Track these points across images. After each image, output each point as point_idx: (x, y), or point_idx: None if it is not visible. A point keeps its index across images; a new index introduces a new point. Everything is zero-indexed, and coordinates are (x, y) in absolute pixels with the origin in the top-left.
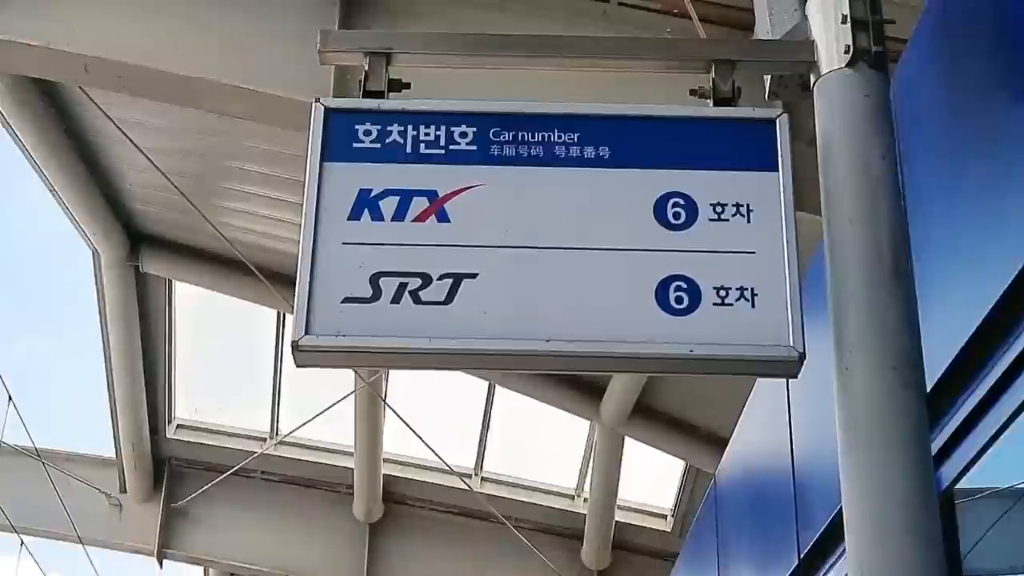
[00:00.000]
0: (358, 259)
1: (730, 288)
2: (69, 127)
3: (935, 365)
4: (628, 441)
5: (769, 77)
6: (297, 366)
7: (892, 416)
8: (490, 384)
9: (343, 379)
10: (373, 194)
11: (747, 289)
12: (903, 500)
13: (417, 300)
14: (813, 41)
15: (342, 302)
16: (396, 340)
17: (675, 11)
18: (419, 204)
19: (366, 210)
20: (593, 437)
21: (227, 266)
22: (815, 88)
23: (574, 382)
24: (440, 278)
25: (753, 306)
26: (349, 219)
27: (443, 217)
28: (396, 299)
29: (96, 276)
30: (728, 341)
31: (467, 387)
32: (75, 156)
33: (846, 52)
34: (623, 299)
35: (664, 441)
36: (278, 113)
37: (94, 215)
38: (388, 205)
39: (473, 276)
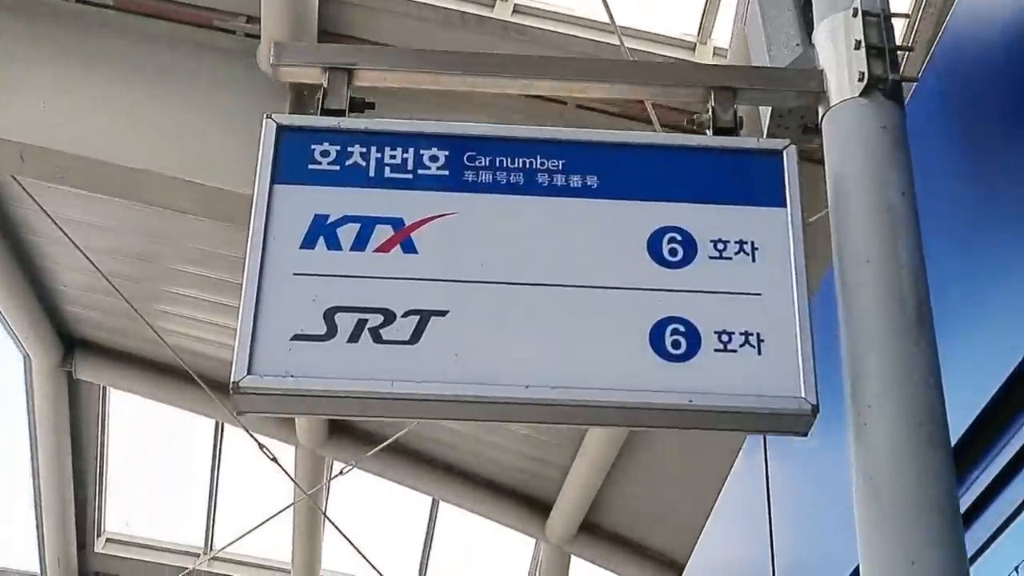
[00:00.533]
0: (311, 292)
1: (733, 333)
2: (2, 224)
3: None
4: (575, 560)
5: (768, 114)
6: (237, 412)
7: (921, 479)
8: (433, 500)
9: (282, 491)
10: (330, 220)
11: (752, 334)
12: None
13: (378, 339)
14: (822, 70)
15: (291, 339)
16: (353, 383)
17: (635, 116)
18: (382, 233)
19: (321, 238)
20: (539, 555)
21: (165, 373)
22: (824, 120)
23: (520, 497)
24: (405, 315)
25: (759, 353)
26: (302, 247)
27: (409, 248)
28: (354, 337)
29: (27, 382)
30: (731, 391)
31: (410, 502)
32: (8, 255)
33: (860, 80)
34: (613, 342)
35: (612, 561)
36: (223, 207)
37: (27, 318)
38: (347, 233)
39: (443, 314)
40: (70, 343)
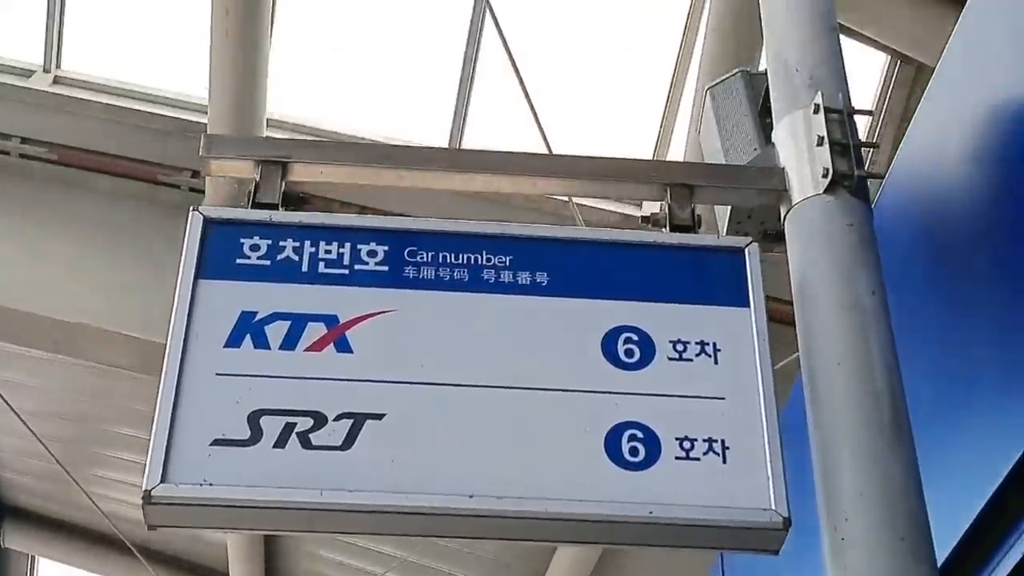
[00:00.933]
0: (235, 393)
1: (696, 439)
2: None
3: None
4: None
5: (727, 216)
6: (149, 527)
7: None
8: None
9: None
10: (258, 317)
11: (716, 441)
12: None
13: (307, 444)
14: (783, 168)
15: (211, 444)
16: (279, 492)
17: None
18: (315, 331)
19: (248, 336)
20: None
21: (98, 542)
22: (787, 218)
23: None
24: (337, 418)
25: (724, 461)
26: (226, 346)
27: (344, 347)
28: (280, 443)
29: None
30: (695, 502)
31: None
32: None
33: (824, 176)
34: (565, 449)
35: None
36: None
37: None
38: (276, 331)
39: (379, 417)
40: None
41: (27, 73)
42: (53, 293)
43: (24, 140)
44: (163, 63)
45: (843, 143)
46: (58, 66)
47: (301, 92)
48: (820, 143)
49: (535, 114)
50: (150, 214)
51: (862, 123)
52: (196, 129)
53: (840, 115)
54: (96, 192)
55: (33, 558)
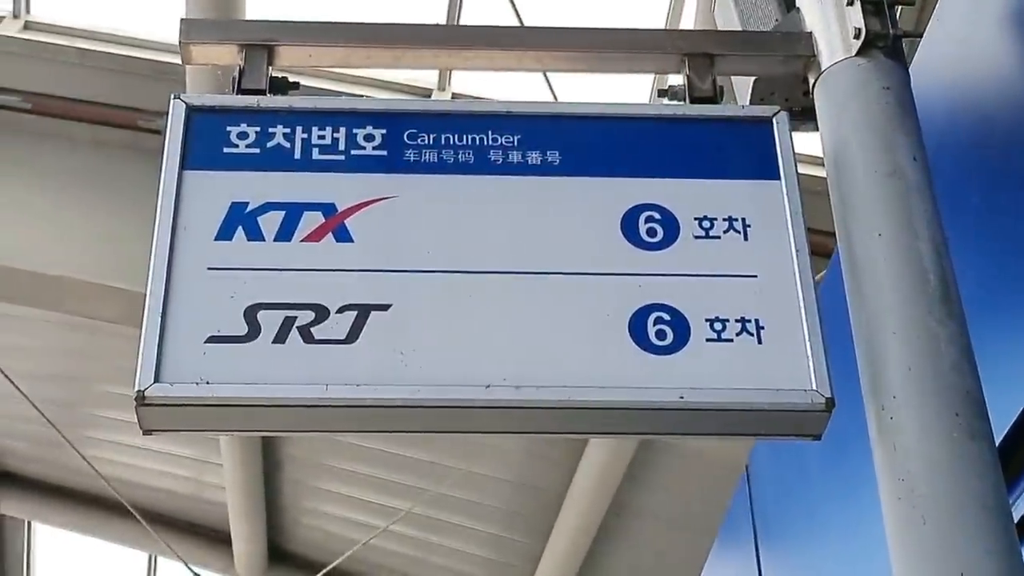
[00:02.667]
0: (229, 288)
1: (727, 320)
2: None
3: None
4: None
5: (749, 92)
6: (144, 431)
7: (961, 475)
8: None
9: None
10: (250, 208)
11: (750, 320)
12: None
13: (309, 338)
14: (810, 32)
15: (207, 342)
16: (280, 388)
17: None
18: (311, 220)
19: (240, 228)
20: None
21: (94, 505)
22: (816, 85)
23: None
24: (340, 311)
25: (759, 341)
26: (217, 239)
27: (343, 236)
28: (280, 338)
29: None
30: (729, 385)
31: None
32: None
33: (856, 37)
34: (587, 335)
35: None
36: None
37: None
38: (270, 222)
39: (384, 308)
40: None
41: None
42: (34, 247)
43: None
44: (137, 5)
45: (875, 0)
46: (28, 11)
47: None
48: (850, 2)
49: None
50: (131, 161)
51: None
52: (176, 72)
53: None
54: (74, 140)
55: (29, 524)
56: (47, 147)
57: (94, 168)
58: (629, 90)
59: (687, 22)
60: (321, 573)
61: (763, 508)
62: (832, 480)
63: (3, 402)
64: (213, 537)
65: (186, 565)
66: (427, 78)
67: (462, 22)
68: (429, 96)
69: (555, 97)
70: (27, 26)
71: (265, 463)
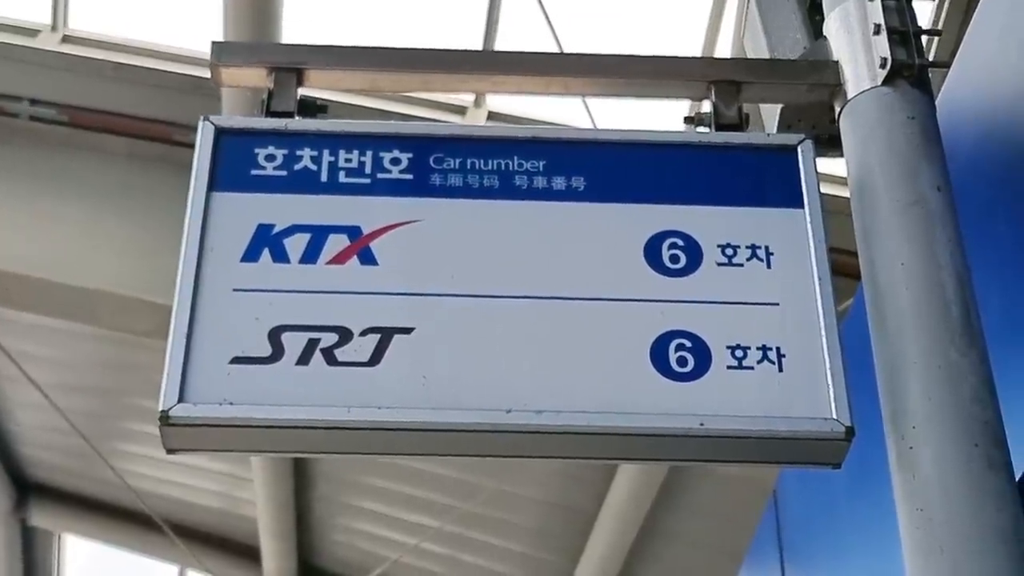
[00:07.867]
0: (254, 310)
1: (748, 347)
2: None
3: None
4: None
5: (776, 120)
6: (168, 451)
7: (980, 506)
8: None
9: None
10: (276, 230)
11: (771, 348)
12: None
13: (332, 361)
14: (836, 61)
15: (231, 363)
16: (304, 410)
17: None
18: (337, 243)
19: (266, 250)
20: None
21: (124, 517)
22: (842, 114)
23: None
24: (363, 333)
25: (780, 369)
26: (243, 260)
27: (368, 259)
28: (304, 359)
29: None
30: (749, 413)
31: None
32: None
33: (882, 67)
34: (608, 361)
35: None
36: None
37: None
38: (296, 244)
39: (407, 331)
40: (24, 488)
41: (33, 32)
42: (68, 259)
43: (33, 102)
44: (173, 19)
45: (902, 31)
46: (66, 24)
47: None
48: (877, 31)
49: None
50: (166, 175)
51: (923, 9)
52: (211, 86)
53: (898, 1)
54: (109, 153)
55: (60, 536)
56: (82, 160)
57: (129, 181)
58: (666, 113)
59: (723, 47)
60: None
61: (789, 532)
62: (858, 506)
63: (35, 414)
64: (243, 552)
65: None
66: (462, 95)
67: (499, 45)
68: (464, 113)
69: (591, 116)
70: (65, 39)
71: (296, 480)
